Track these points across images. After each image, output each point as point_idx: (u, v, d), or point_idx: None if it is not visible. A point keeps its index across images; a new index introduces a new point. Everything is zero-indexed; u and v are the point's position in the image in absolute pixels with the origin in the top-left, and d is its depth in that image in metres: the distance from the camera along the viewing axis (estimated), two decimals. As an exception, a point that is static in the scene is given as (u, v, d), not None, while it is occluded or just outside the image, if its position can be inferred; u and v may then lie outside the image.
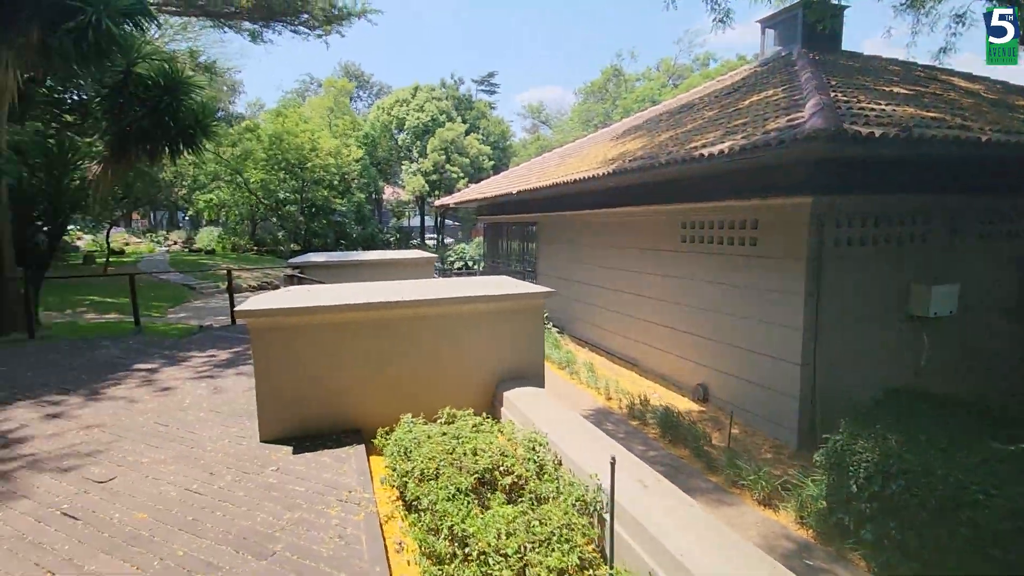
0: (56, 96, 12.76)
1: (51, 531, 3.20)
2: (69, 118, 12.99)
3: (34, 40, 8.75)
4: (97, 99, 12.35)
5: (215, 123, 13.16)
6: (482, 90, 52.76)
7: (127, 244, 34.78)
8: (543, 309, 5.11)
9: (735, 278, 8.00)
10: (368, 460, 4.11)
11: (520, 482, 3.24)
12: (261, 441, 4.43)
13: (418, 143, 36.63)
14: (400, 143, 38.33)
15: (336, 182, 31.31)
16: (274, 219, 33.47)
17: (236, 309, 4.22)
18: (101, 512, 3.40)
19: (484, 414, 4.19)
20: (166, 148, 12.54)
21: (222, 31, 21.53)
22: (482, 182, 20.32)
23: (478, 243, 33.74)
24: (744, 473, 6.10)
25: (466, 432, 3.77)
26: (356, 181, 32.31)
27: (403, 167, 37.68)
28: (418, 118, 36.48)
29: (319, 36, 20.42)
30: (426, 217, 42.50)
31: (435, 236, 40.82)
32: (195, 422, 4.96)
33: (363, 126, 36.51)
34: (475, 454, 3.41)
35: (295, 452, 4.23)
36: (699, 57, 46.71)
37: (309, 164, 28.39)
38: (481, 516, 2.81)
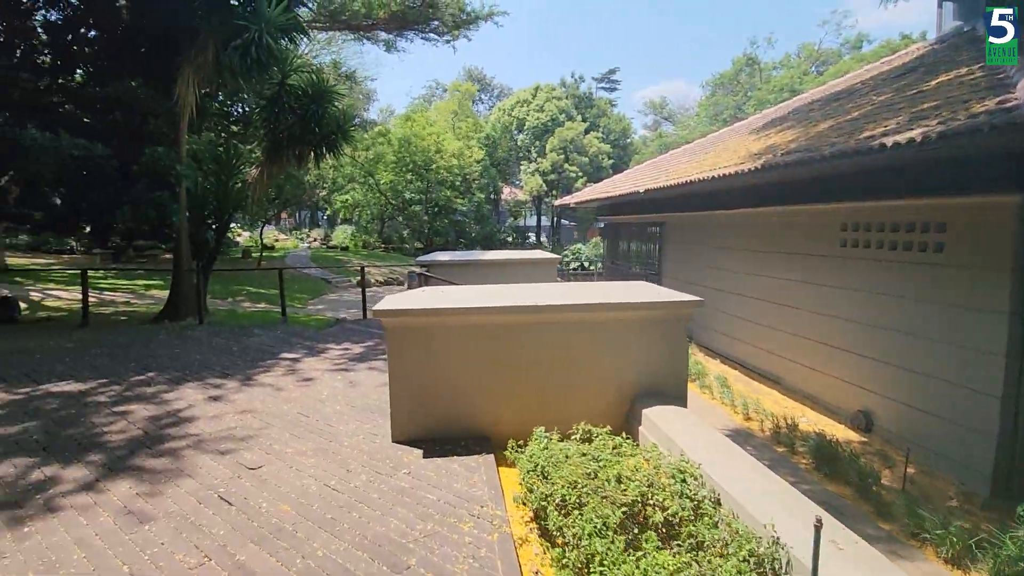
0: (224, 110, 14.33)
1: (209, 514, 3.36)
2: (234, 128, 14.52)
3: (209, 58, 9.84)
4: (257, 110, 13.75)
5: (353, 128, 14.08)
6: (602, 88, 51.88)
7: (276, 240, 38.91)
8: (688, 320, 4.60)
9: (912, 290, 6.78)
10: (498, 473, 3.91)
11: (674, 520, 2.82)
12: (393, 441, 4.43)
13: (537, 143, 36.80)
14: (519, 144, 38.78)
15: (458, 183, 32.43)
16: (400, 218, 35.51)
17: (374, 308, 4.25)
18: (251, 500, 3.53)
19: (624, 434, 3.80)
20: (312, 152, 13.65)
21: (361, 43, 23.01)
22: (604, 181, 19.78)
23: (595, 243, 33.12)
24: (928, 524, 5.08)
25: (606, 454, 3.42)
26: (477, 181, 33.22)
27: (521, 167, 38.07)
28: (538, 118, 36.64)
29: (447, 42, 21.14)
30: (542, 217, 42.61)
31: (551, 236, 40.78)
32: (332, 415, 5.12)
33: (484, 128, 37.47)
34: (619, 482, 3.05)
35: (425, 456, 4.15)
36: (849, 40, 41.84)
37: (434, 166, 29.67)
38: (635, 561, 2.44)
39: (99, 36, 10.00)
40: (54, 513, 3.40)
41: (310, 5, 13.97)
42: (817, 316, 8.32)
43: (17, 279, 16.45)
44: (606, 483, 3.01)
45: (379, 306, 4.29)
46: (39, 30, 9.69)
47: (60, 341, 8.28)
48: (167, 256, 23.88)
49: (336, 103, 13.24)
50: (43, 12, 9.66)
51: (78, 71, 10.58)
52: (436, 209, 33.24)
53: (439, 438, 4.40)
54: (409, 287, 23.99)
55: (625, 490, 2.95)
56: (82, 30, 10.10)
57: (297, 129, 12.87)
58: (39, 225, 9.76)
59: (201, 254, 11.55)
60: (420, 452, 4.21)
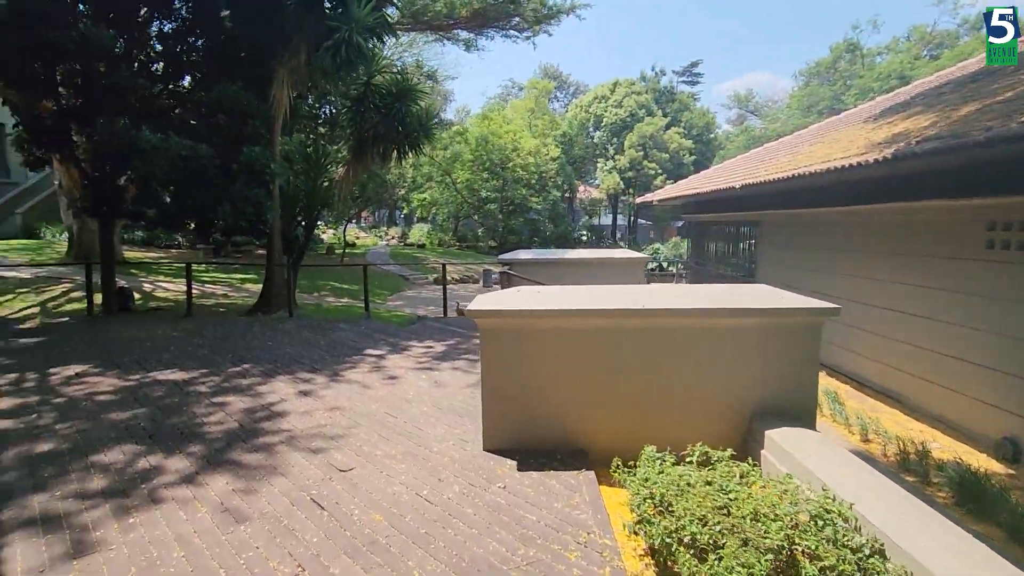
0: (313, 112, 14.84)
1: (302, 518, 3.24)
2: (322, 130, 15.00)
3: (302, 60, 10.13)
4: (343, 111, 14.16)
5: (435, 126, 14.13)
6: (683, 81, 49.84)
7: (357, 238, 40.47)
8: (820, 330, 4.01)
9: (1085, 300, 5.71)
10: (600, 493, 3.55)
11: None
12: (484, 449, 4.18)
13: (615, 140, 35.89)
14: (596, 141, 38.00)
15: (533, 181, 32.23)
16: (476, 216, 35.82)
17: (468, 308, 4.01)
18: (343, 505, 3.38)
19: (750, 459, 3.32)
20: (395, 150, 13.86)
21: (441, 44, 23.24)
22: (690, 177, 18.80)
23: (675, 243, 31.85)
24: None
25: (733, 483, 2.96)
26: (553, 180, 32.86)
27: (598, 165, 37.28)
28: (616, 114, 35.72)
29: (527, 38, 20.93)
30: (618, 216, 41.57)
31: (627, 235, 39.67)
32: (420, 417, 4.95)
33: (560, 125, 37.02)
34: (757, 519, 2.59)
35: (520, 468, 3.86)
36: (968, 19, 37.64)
37: (510, 164, 29.61)
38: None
39: (205, 44, 10.52)
40: (157, 505, 3.41)
41: (397, 3, 14.19)
42: (952, 327, 7.27)
43: (132, 271, 17.97)
44: (742, 521, 2.57)
45: (474, 305, 4.05)
46: (153, 40, 10.33)
47: (167, 330, 8.78)
48: (260, 252, 25.34)
49: (419, 101, 13.34)
50: (158, 23, 10.28)
51: (187, 78, 11.20)
52: (511, 207, 33.22)
53: (533, 449, 4.10)
54: (484, 285, 24.08)
55: (767, 532, 2.49)
56: (190, 39, 10.70)
57: (382, 128, 13.09)
58: (151, 222, 10.39)
59: (291, 250, 11.99)
60: (514, 464, 3.93)
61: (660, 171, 33.66)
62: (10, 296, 13.71)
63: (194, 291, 13.94)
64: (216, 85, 9.37)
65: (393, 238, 43.94)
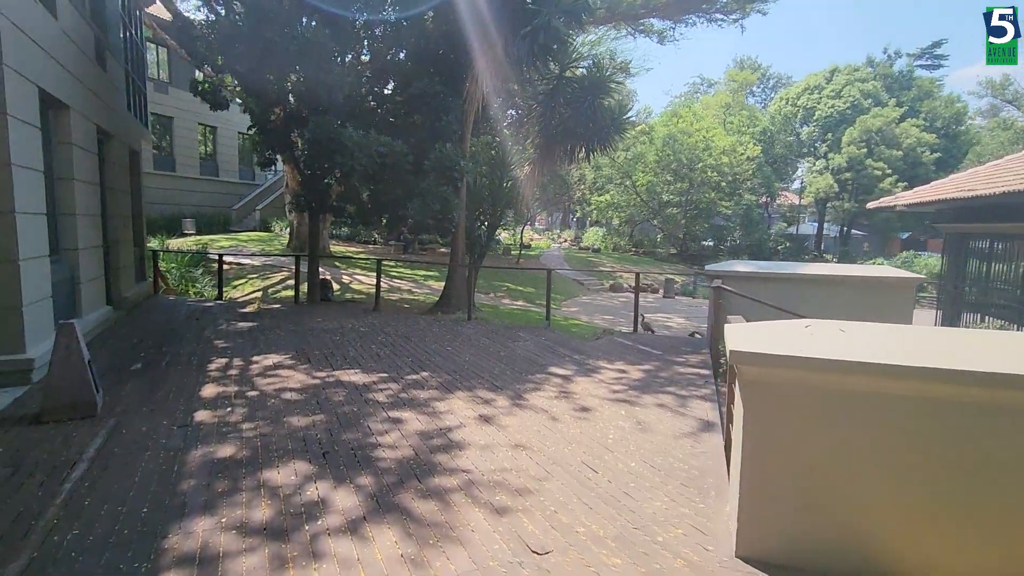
0: (500, 115, 14.53)
1: (485, 634, 2.25)
2: (506, 132, 14.64)
3: (499, 50, 9.64)
4: (532, 106, 13.64)
5: (627, 122, 12.85)
6: (921, 66, 41.24)
7: (531, 240, 40.91)
8: None
9: None
10: None
11: None
12: (737, 556, 2.82)
13: (828, 136, 30.80)
14: (802, 138, 33.13)
15: (723, 183, 29.07)
16: (655, 221, 33.64)
17: (735, 349, 2.68)
18: (541, 625, 2.32)
19: None
20: (583, 148, 12.92)
21: (632, 38, 21.82)
22: (952, 177, 14.63)
23: (904, 259, 26.11)
24: None
25: None
26: (748, 182, 29.32)
27: (804, 165, 32.44)
28: (832, 106, 30.64)
29: (735, 20, 18.51)
30: (824, 224, 35.82)
31: (838, 247, 33.94)
32: (628, 477, 3.76)
33: (761, 120, 32.96)
34: None
35: (804, 607, 2.44)
36: None
37: (700, 164, 26.98)
38: None
39: (409, 44, 10.60)
40: (315, 561, 2.72)
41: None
42: None
43: (336, 263, 19.79)
44: None
45: (739, 344, 2.71)
46: (364, 42, 10.70)
47: (356, 323, 8.89)
48: (443, 250, 26.60)
49: (612, 94, 12.21)
50: (366, 22, 10.61)
51: (391, 82, 11.46)
52: (694, 212, 30.44)
53: (818, 567, 2.64)
54: (666, 294, 22.12)
55: None
56: (394, 49, 10.97)
57: (572, 123, 12.23)
58: (351, 217, 10.80)
59: (473, 249, 11.73)
60: (791, 595, 2.51)
61: (889, 171, 27.97)
62: (243, 281, 15.81)
63: (382, 285, 14.56)
64: (415, 81, 9.30)
65: (565, 241, 43.56)
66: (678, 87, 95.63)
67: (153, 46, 22.81)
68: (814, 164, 31.14)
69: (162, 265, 14.34)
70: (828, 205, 31.36)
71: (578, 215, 49.80)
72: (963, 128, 30.85)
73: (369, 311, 10.30)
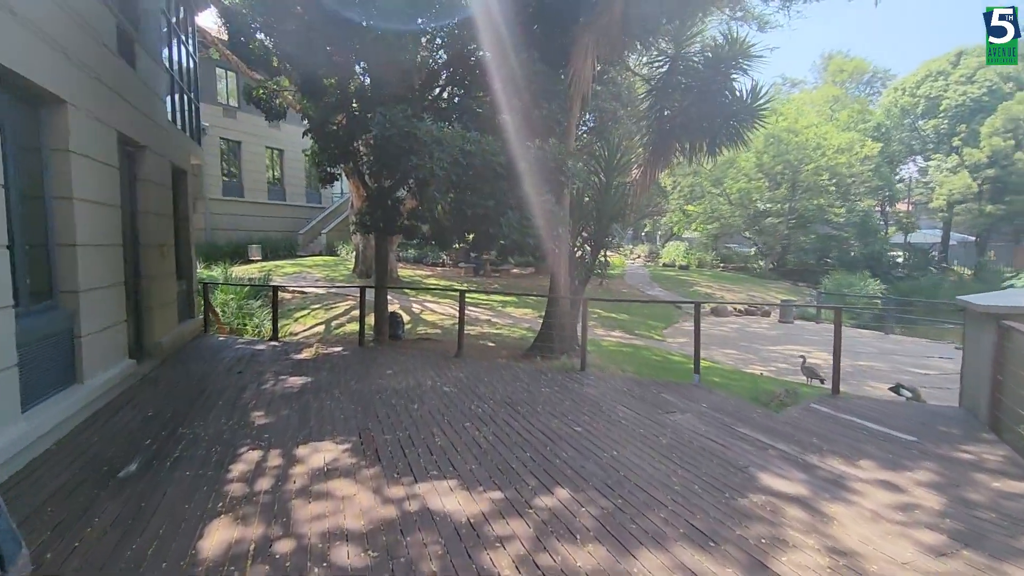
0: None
1: None
2: (614, 126, 12.35)
3: (616, 14, 7.35)
4: (642, 95, 11.26)
5: (764, 107, 10.15)
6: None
7: (606, 256, 38.00)
8: None
9: None
10: None
11: None
12: None
13: (962, 128, 26.31)
14: (926, 131, 28.63)
15: (832, 187, 25.23)
16: (748, 233, 30.04)
17: None
18: None
19: None
20: (706, 143, 10.35)
21: (734, 23, 19.03)
22: None
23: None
24: None
25: None
26: (867, 184, 25.34)
27: (932, 163, 27.94)
28: (964, 92, 26.18)
29: (866, -10, 15.35)
30: (951, 231, 30.83)
31: (978, 257, 28.98)
32: None
33: (874, 115, 28.84)
34: None
35: None
36: None
37: (810, 166, 23.42)
38: None
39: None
40: None
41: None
42: None
43: (405, 291, 18.03)
44: None
45: None
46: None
47: (437, 378, 6.72)
48: (515, 271, 24.46)
49: (744, 69, 9.60)
50: None
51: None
52: (797, 221, 26.67)
53: None
54: (782, 319, 18.82)
55: None
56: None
57: (693, 111, 9.72)
58: (425, 237, 8.72)
59: (575, 273, 9.37)
60: None
61: (1046, 165, 23.28)
62: (305, 312, 14.20)
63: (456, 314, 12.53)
64: (511, 54, 7.15)
65: (639, 257, 40.29)
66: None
67: (223, 71, 22.40)
68: (943, 162, 26.63)
69: (219, 297, 12.96)
70: (961, 208, 26.65)
71: (647, 229, 46.28)
72: None
73: (450, 357, 8.12)
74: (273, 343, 9.35)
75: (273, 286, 10.74)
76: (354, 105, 8.88)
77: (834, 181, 25.18)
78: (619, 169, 9.89)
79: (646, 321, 16.38)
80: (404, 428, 4.89)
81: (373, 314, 10.05)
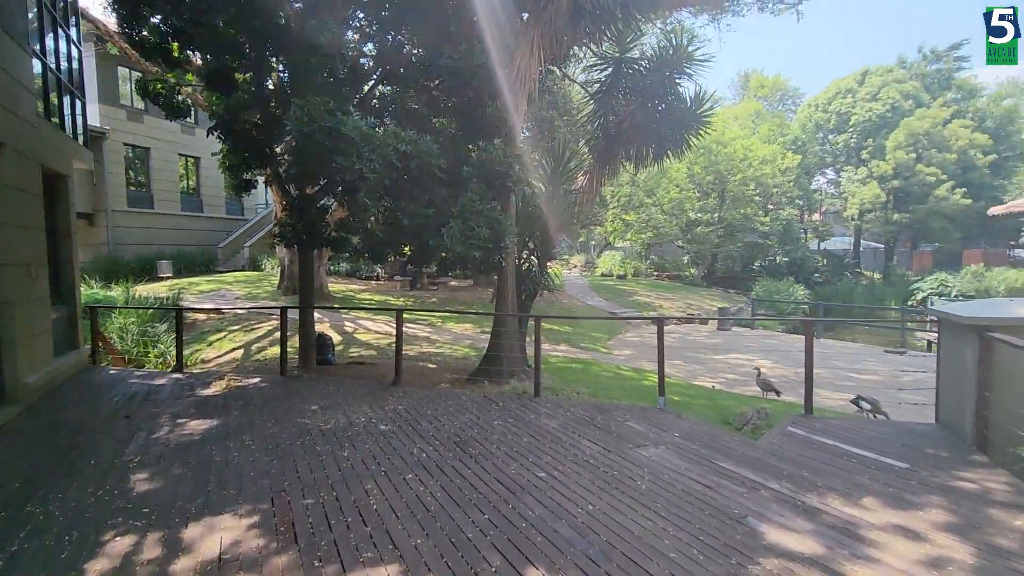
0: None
1: None
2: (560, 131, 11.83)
3: (563, 7, 6.79)
4: (585, 99, 10.83)
5: (709, 114, 9.99)
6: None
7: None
8: None
9: None
10: None
11: None
12: None
13: (869, 142, 28.14)
14: (838, 145, 30.46)
15: (757, 197, 26.19)
16: (679, 242, 30.73)
17: None
18: None
19: None
20: (652, 149, 10.05)
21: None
22: None
23: (975, 272, 23.19)
24: None
25: None
26: (787, 194, 26.49)
27: (844, 174, 29.69)
28: (870, 109, 28.05)
29: (790, 7, 15.90)
30: (855, 239, 32.95)
31: (886, 262, 31.02)
32: None
33: (791, 129, 30.36)
34: None
35: None
36: None
37: (738, 176, 24.16)
38: None
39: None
40: None
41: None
42: None
43: (336, 305, 16.72)
44: None
45: None
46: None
47: (372, 413, 5.79)
48: (454, 284, 23.58)
49: (689, 74, 9.40)
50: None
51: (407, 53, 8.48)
52: (725, 230, 27.51)
53: None
54: (720, 327, 19.06)
55: None
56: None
57: (639, 115, 9.39)
58: (356, 250, 7.77)
59: (521, 289, 8.70)
60: None
61: (943, 177, 25.22)
62: (221, 335, 12.69)
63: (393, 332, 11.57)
64: (448, 47, 6.41)
65: (575, 267, 40.39)
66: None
67: (127, 71, 20.17)
68: (855, 173, 28.38)
69: (116, 323, 11.25)
70: (870, 216, 28.46)
71: (582, 239, 46.64)
72: (1015, 128, 28.32)
73: (387, 385, 7.18)
74: (177, 375, 8.02)
75: (177, 308, 9.35)
76: (272, 104, 7.83)
77: (759, 191, 26.19)
78: (565, 176, 9.37)
79: (590, 333, 16.00)
80: (330, 486, 3.97)
81: (298, 337, 8.93)
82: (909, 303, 24.18)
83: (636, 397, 6.94)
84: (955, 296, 22.80)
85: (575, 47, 9.58)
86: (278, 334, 11.60)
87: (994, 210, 13.82)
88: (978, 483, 3.83)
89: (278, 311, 9.88)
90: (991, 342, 4.25)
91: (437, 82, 7.86)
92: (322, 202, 8.21)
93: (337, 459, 4.51)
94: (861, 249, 33.28)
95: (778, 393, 8.27)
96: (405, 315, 15.56)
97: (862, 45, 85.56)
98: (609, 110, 9.77)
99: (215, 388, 7.11)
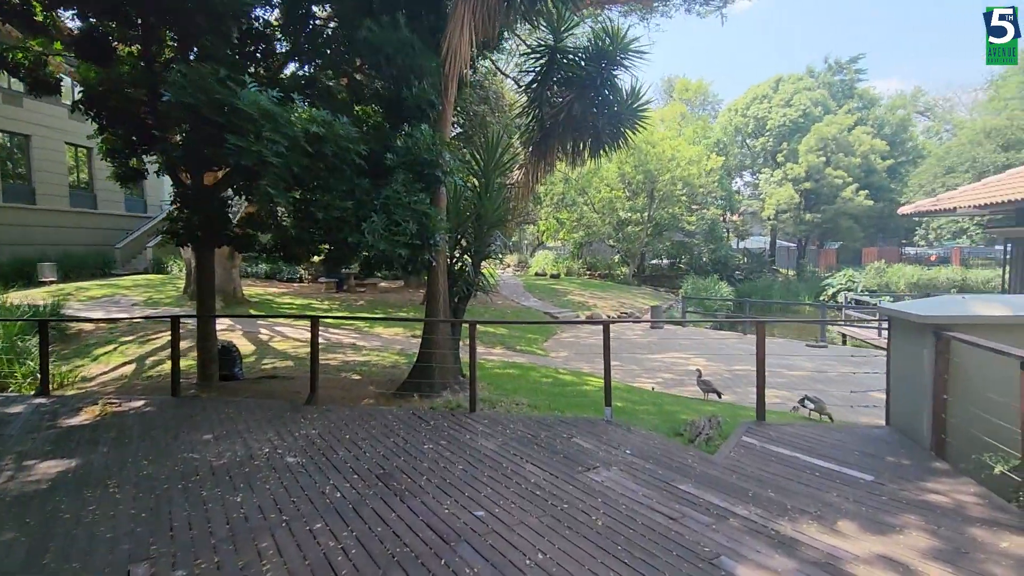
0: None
1: None
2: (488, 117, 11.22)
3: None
4: (522, 89, 10.30)
5: (645, 108, 9.75)
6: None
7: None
8: None
9: None
10: None
11: None
12: None
13: (784, 146, 29.65)
14: (755, 149, 31.94)
15: (684, 197, 26.89)
16: (611, 241, 31.10)
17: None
18: None
19: None
20: (588, 143, 9.68)
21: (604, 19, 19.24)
22: (990, 180, 12.53)
23: (877, 268, 24.93)
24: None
25: None
26: (713, 194, 27.36)
27: (762, 176, 31.14)
28: (784, 115, 29.57)
29: (717, 8, 16.21)
30: (771, 238, 34.79)
31: (799, 259, 32.83)
32: None
33: (714, 131, 31.46)
34: None
35: None
36: None
37: (666, 176, 24.60)
38: None
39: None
40: None
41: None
42: None
43: (251, 311, 15.26)
44: None
45: None
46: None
47: (279, 440, 4.92)
48: (384, 285, 22.45)
49: (626, 66, 9.09)
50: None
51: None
52: (654, 229, 28.10)
53: None
54: (654, 326, 19.16)
55: None
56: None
57: (576, 107, 8.97)
58: (266, 249, 6.80)
59: (454, 290, 8.00)
60: None
61: (849, 179, 26.98)
62: (110, 348, 11.06)
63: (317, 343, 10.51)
64: (364, 19, 5.61)
65: (508, 266, 39.98)
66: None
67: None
68: (772, 175, 29.85)
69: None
70: (785, 216, 30.04)
71: (514, 238, 46.45)
72: (907, 135, 30.89)
73: (300, 405, 6.26)
74: (40, 400, 6.68)
75: (41, 319, 7.87)
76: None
77: (685, 191, 26.90)
78: (499, 170, 8.77)
79: (526, 335, 15.52)
80: (213, 548, 3.13)
81: (197, 355, 7.77)
82: (821, 298, 25.65)
83: (579, 407, 6.44)
84: (861, 291, 24.41)
85: (508, 36, 8.99)
86: (183, 344, 10.31)
87: (903, 210, 14.67)
88: (949, 496, 3.59)
89: (188, 318, 8.55)
90: (949, 342, 4.07)
91: (359, 63, 7.04)
92: (224, 193, 7.12)
93: (227, 507, 3.65)
94: (776, 248, 35.18)
95: (719, 394, 8.09)
96: (328, 321, 14.42)
97: (773, 54, 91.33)
98: (544, 101, 9.29)
99: (85, 416, 5.91)
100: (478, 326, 6.56)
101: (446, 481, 4.03)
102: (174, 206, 6.95)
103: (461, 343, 8.36)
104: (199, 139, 4.92)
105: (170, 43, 7.19)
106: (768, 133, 30.52)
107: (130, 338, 11.66)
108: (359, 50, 5.92)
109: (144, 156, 7.54)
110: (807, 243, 33.04)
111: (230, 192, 7.34)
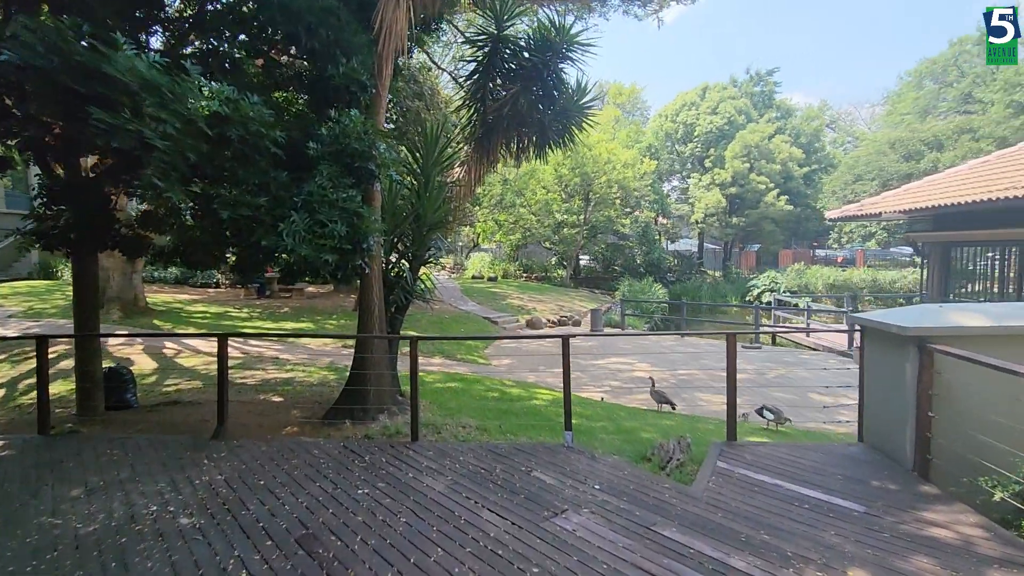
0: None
1: None
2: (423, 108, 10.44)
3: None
4: (464, 80, 9.55)
5: (592, 106, 9.36)
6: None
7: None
8: None
9: None
10: None
11: None
12: None
13: (711, 151, 30.66)
14: (684, 154, 32.85)
15: (618, 200, 27.13)
16: (547, 243, 30.94)
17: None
18: None
19: None
20: (533, 140, 9.15)
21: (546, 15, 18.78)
22: (924, 181, 13.14)
23: (797, 270, 26.22)
24: None
25: None
26: (646, 198, 27.74)
27: (691, 181, 32.05)
28: (711, 122, 30.58)
29: (654, 12, 16.23)
30: (698, 241, 36.05)
31: (725, 261, 34.09)
32: None
33: (646, 135, 32.04)
34: None
35: None
36: None
37: (602, 179, 24.65)
38: None
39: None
40: None
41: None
42: None
43: (156, 321, 13.58)
44: None
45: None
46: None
47: (172, 492, 3.95)
48: (311, 289, 20.96)
49: (572, 59, 8.63)
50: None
51: None
52: (590, 231, 28.19)
53: None
54: (594, 328, 19.00)
55: None
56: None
57: (521, 101, 8.39)
58: (163, 254, 5.71)
59: (391, 299, 7.17)
60: None
61: (771, 185, 28.26)
62: (-34, 370, 9.27)
63: (235, 354, 9.37)
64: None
65: (444, 269, 38.95)
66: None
67: None
68: (701, 180, 30.80)
69: None
70: (713, 220, 31.13)
71: (449, 240, 45.54)
72: (819, 144, 32.91)
73: (205, 441, 5.24)
74: None
75: None
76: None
77: (620, 194, 27.15)
78: (439, 166, 8.04)
79: (465, 342, 14.81)
80: None
81: (76, 381, 6.46)
82: (747, 299, 26.67)
83: (534, 429, 5.84)
84: (783, 291, 25.57)
85: (445, 29, 8.28)
86: (65, 363, 8.83)
87: (830, 214, 15.18)
88: (951, 529, 3.27)
89: (64, 338, 7.00)
90: (933, 355, 3.80)
91: (276, 38, 6.08)
92: (108, 185, 5.92)
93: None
94: (704, 250, 36.47)
95: (673, 406, 7.78)
96: (247, 326, 13.02)
97: (698, 61, 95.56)
98: (487, 94, 8.67)
99: (-89, 468, 4.61)
100: (408, 332, 5.79)
101: (386, 542, 3.27)
102: (38, 202, 5.68)
103: (401, 351, 7.57)
104: (57, 116, 3.86)
105: None
106: (696, 139, 31.49)
107: (2, 357, 9.89)
108: (275, 19, 5.01)
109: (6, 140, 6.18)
110: (732, 246, 34.40)
111: (113, 187, 6.15)
